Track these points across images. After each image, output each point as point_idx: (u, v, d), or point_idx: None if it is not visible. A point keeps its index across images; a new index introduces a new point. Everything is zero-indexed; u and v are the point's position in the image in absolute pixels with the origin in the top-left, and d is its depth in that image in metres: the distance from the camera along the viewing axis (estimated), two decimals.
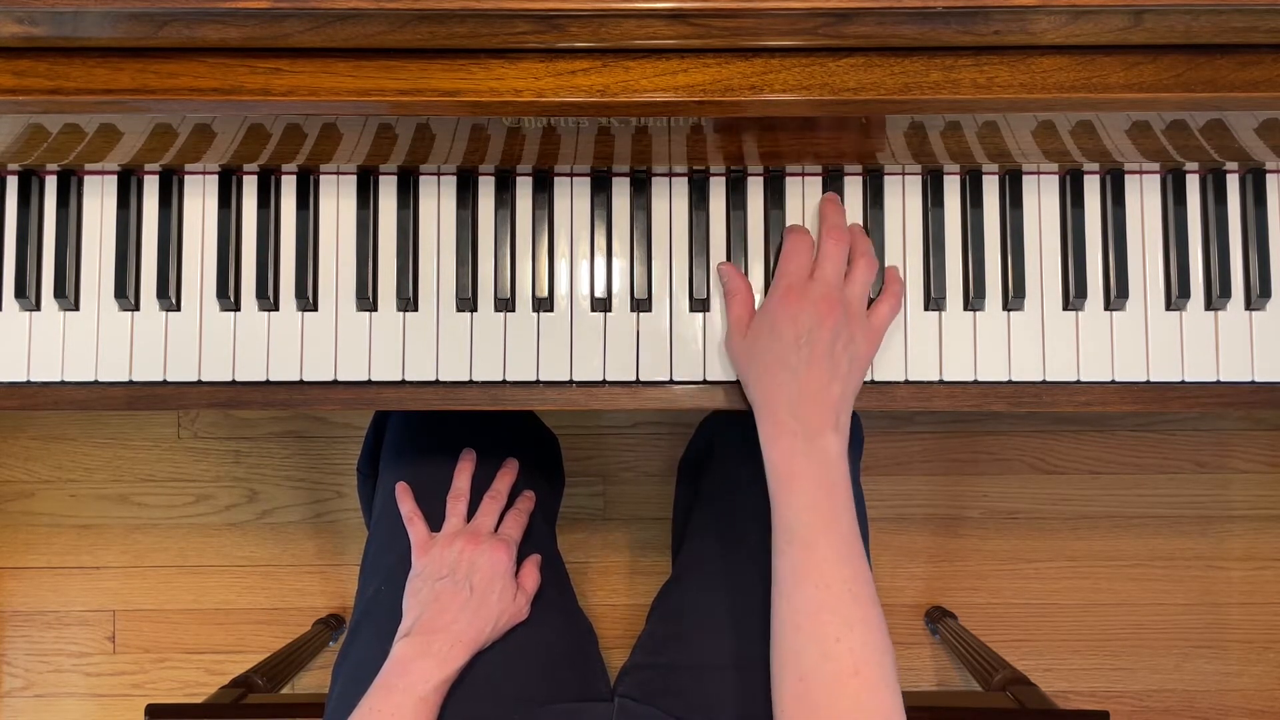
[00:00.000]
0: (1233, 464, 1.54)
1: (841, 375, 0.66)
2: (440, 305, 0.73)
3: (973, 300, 0.73)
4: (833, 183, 0.74)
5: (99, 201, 0.74)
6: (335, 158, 0.71)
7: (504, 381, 0.73)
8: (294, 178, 0.74)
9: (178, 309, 0.74)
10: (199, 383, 0.73)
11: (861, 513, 0.84)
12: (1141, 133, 0.66)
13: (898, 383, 0.73)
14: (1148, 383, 0.73)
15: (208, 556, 1.54)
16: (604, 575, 1.53)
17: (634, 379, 0.73)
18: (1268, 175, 0.73)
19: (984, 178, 0.73)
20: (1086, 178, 0.73)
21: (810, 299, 0.67)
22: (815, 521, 0.64)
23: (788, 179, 0.74)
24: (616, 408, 0.74)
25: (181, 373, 0.73)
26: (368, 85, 0.60)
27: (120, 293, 0.73)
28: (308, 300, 0.73)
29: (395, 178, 0.74)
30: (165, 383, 0.73)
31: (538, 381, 0.73)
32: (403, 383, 0.73)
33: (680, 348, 0.73)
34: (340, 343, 0.73)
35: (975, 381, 0.73)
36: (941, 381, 0.73)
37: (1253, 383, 0.73)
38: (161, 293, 0.73)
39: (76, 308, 0.74)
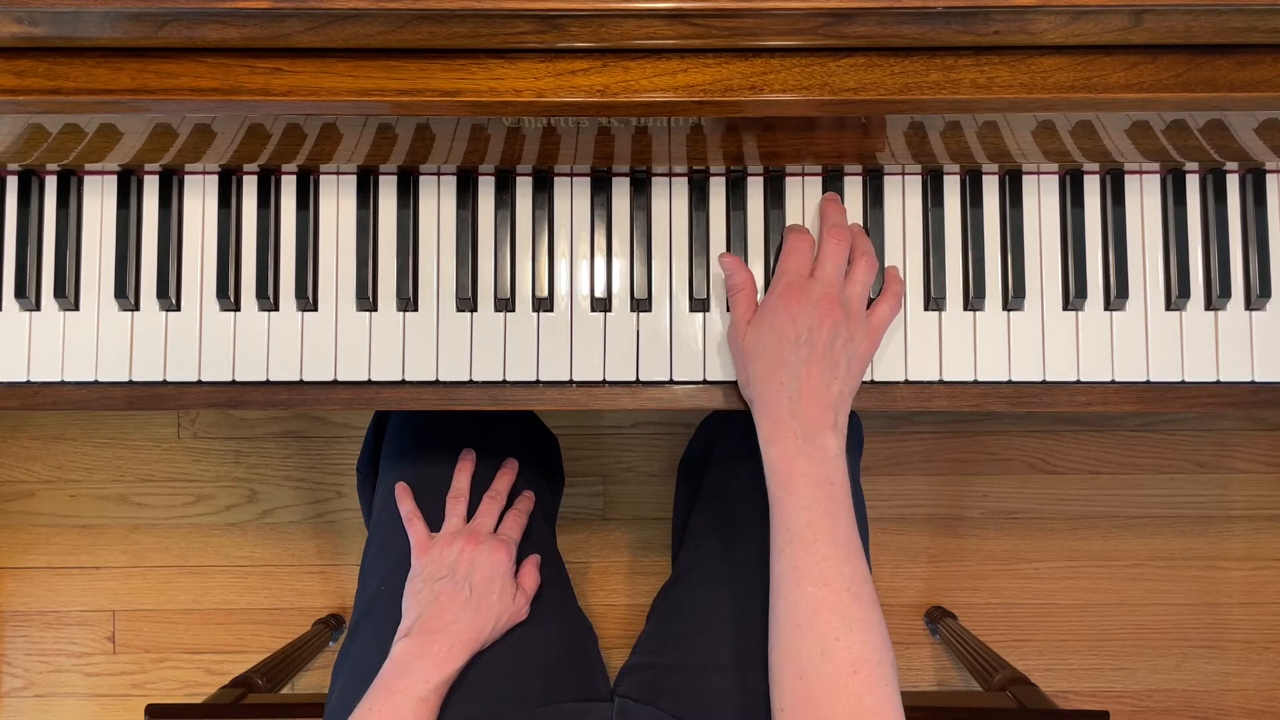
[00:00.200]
0: (1233, 464, 1.54)
1: (841, 374, 0.67)
2: (440, 305, 0.73)
3: (973, 300, 0.73)
4: (833, 182, 0.74)
5: (99, 201, 0.74)
6: (335, 158, 0.71)
7: (504, 382, 0.73)
8: (294, 178, 0.74)
9: (178, 309, 0.74)
10: (199, 383, 0.73)
11: (861, 512, 0.84)
12: (1141, 133, 0.66)
13: (897, 383, 0.73)
14: (1148, 383, 0.73)
15: (208, 556, 1.54)
16: (604, 575, 1.53)
17: (634, 379, 0.73)
18: (1268, 175, 0.73)
19: (984, 178, 0.73)
20: (1086, 178, 0.73)
21: (810, 298, 0.67)
22: (815, 521, 0.64)
23: (788, 179, 0.74)
24: (616, 408, 0.74)
25: (181, 373, 0.73)
26: (368, 85, 0.60)
27: (120, 293, 0.73)
28: (308, 300, 0.73)
29: (395, 178, 0.74)
30: (165, 383, 0.73)
31: (537, 381, 0.73)
32: (403, 383, 0.73)
33: (680, 348, 0.73)
34: (340, 343, 0.73)
35: (975, 381, 0.73)
36: (941, 381, 0.73)
37: (1253, 383, 0.73)
38: (161, 293, 0.73)
39: (76, 308, 0.74)
